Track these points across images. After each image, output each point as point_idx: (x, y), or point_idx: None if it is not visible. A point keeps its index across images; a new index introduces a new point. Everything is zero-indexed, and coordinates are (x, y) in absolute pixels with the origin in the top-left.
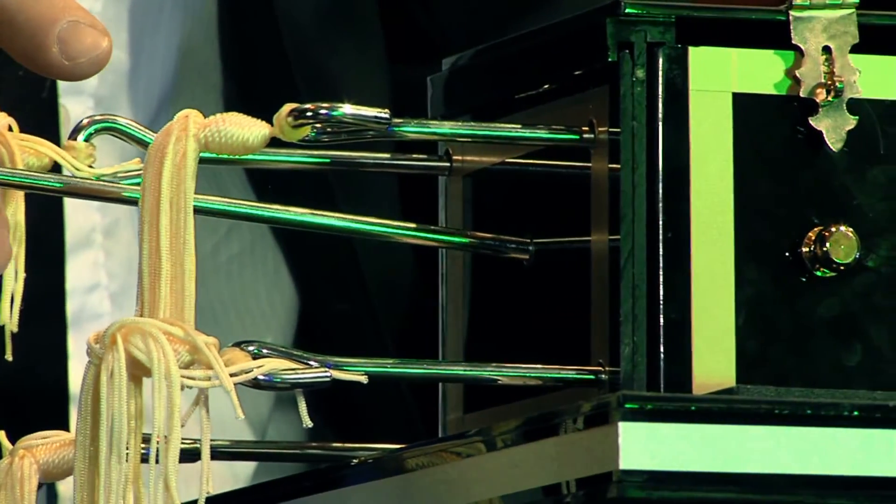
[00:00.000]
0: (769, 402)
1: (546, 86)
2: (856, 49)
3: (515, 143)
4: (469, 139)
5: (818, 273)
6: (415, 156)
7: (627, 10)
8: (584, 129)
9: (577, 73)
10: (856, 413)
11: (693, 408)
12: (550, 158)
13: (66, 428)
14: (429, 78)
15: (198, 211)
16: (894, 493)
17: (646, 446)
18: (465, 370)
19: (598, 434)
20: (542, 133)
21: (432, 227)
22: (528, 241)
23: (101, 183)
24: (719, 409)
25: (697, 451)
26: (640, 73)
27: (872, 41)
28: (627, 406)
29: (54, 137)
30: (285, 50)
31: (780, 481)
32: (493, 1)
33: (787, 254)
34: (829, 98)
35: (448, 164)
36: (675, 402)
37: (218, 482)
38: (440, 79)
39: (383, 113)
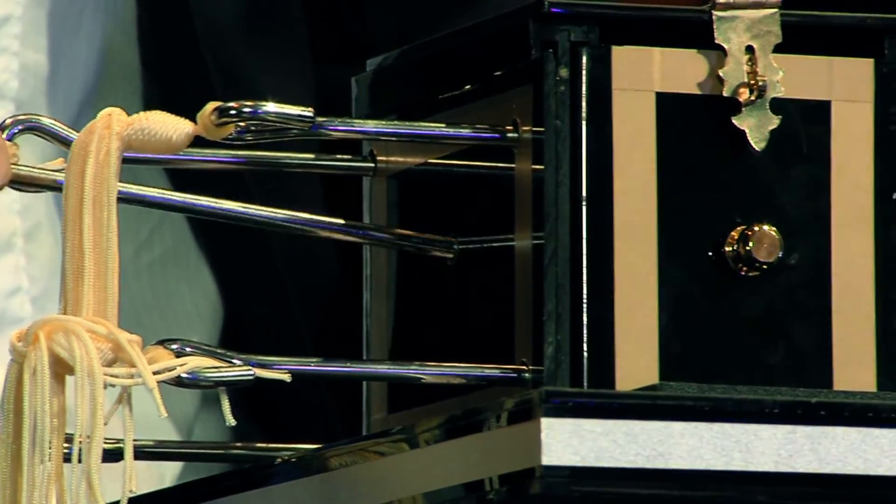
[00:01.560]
0: (692, 398)
1: (470, 86)
2: (779, 49)
3: (439, 142)
4: (393, 138)
5: (741, 272)
6: (339, 156)
7: (551, 10)
8: (507, 128)
9: (500, 72)
10: (777, 410)
11: (616, 404)
12: (474, 158)
13: None
14: (353, 78)
15: (127, 200)
16: (816, 489)
17: (568, 442)
18: (388, 369)
19: (521, 430)
20: (465, 132)
21: (357, 224)
22: (453, 240)
23: (32, 168)
24: (642, 406)
25: (620, 447)
26: (564, 73)
27: (796, 41)
28: (550, 402)
29: None
30: (207, 52)
31: (702, 477)
32: (422, 1)
33: (710, 253)
34: (752, 98)
35: (372, 165)
36: (598, 398)
37: (146, 483)
38: (365, 79)
39: (307, 111)
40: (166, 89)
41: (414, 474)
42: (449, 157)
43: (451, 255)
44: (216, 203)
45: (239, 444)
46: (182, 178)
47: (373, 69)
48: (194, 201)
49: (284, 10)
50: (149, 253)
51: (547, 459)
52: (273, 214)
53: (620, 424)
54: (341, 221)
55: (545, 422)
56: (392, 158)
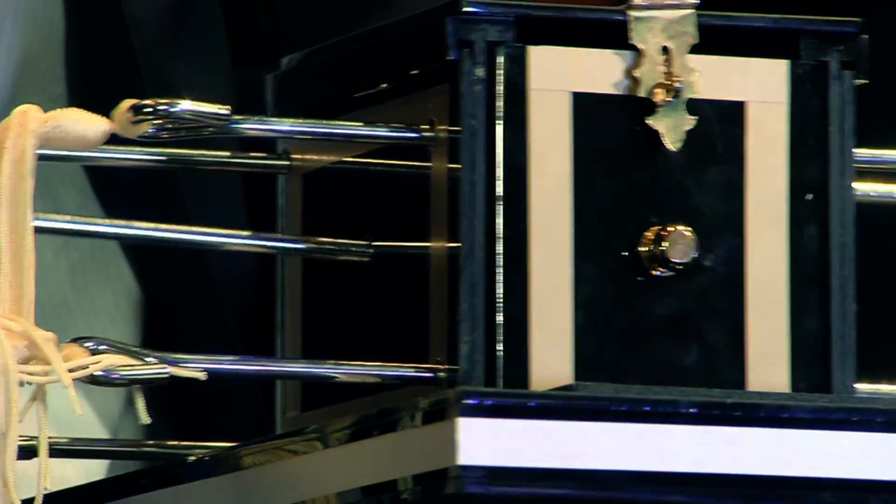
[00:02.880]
0: (608, 398)
1: (386, 84)
2: (695, 49)
3: (354, 141)
4: (308, 137)
5: (656, 272)
6: (254, 154)
7: (467, 10)
8: (424, 127)
9: (417, 71)
10: (693, 410)
11: (532, 404)
12: (390, 158)
13: None
14: (267, 77)
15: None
16: (731, 489)
17: (484, 442)
18: (302, 368)
19: (437, 430)
20: (381, 131)
21: (267, 235)
22: (367, 242)
23: None
24: (558, 406)
25: (536, 446)
26: (480, 72)
27: (712, 41)
28: (466, 402)
29: None
30: (129, 56)
31: (617, 477)
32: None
33: (625, 253)
34: (668, 98)
35: (287, 163)
36: (514, 397)
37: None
38: (279, 77)
39: (223, 109)
40: (89, 95)
41: (328, 474)
42: (364, 155)
43: (366, 259)
44: (124, 225)
45: (152, 442)
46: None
47: (286, 67)
48: (97, 226)
49: (203, 13)
50: (67, 258)
51: (462, 459)
52: (175, 235)
53: (536, 424)
54: (250, 233)
55: (460, 421)
56: (307, 157)
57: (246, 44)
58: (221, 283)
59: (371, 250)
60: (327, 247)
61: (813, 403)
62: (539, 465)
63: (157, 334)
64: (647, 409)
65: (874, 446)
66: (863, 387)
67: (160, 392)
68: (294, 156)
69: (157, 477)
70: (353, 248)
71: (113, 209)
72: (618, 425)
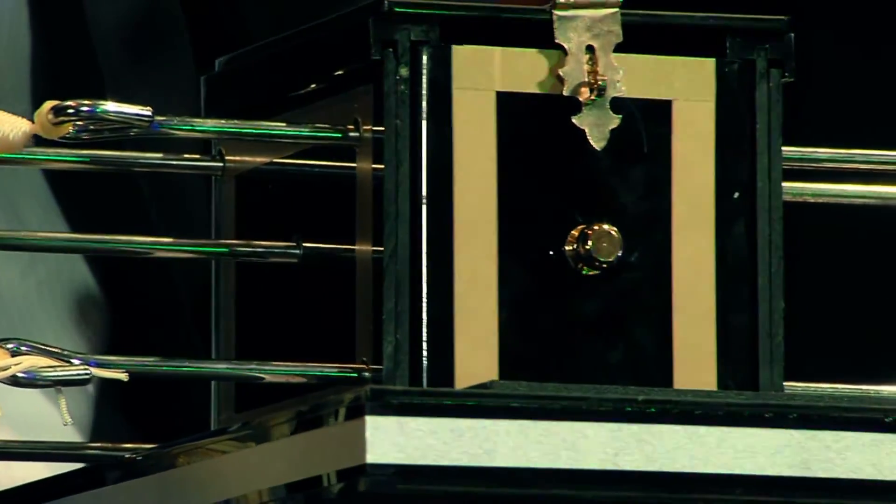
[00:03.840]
0: (517, 396)
1: (315, 84)
2: (620, 48)
3: (280, 141)
4: (233, 137)
5: (581, 271)
6: (186, 156)
7: (391, 9)
8: (349, 127)
9: (342, 71)
10: (604, 407)
11: (442, 402)
12: (323, 158)
13: None
14: (202, 77)
15: None
16: (644, 486)
17: (394, 440)
18: (228, 368)
19: (348, 428)
20: (306, 131)
21: (193, 241)
22: (296, 244)
23: None
24: (468, 404)
25: (446, 445)
26: (404, 72)
27: (637, 40)
28: (375, 400)
29: None
30: (96, 73)
31: (528, 475)
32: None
33: (550, 252)
34: (592, 97)
35: (221, 165)
36: (424, 396)
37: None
38: (214, 78)
39: (145, 111)
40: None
41: (244, 473)
42: (296, 156)
43: (295, 261)
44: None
45: (80, 443)
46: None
47: (221, 68)
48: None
49: (165, 16)
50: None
51: (372, 457)
52: (100, 244)
53: (446, 422)
54: (172, 240)
55: (370, 420)
56: (240, 158)
57: (211, 49)
58: (186, 290)
59: (299, 252)
60: (254, 249)
61: (726, 400)
62: (449, 463)
63: (127, 344)
64: (559, 406)
65: (788, 443)
66: (798, 385)
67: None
68: (228, 157)
69: (90, 477)
70: (282, 251)
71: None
72: (528, 423)
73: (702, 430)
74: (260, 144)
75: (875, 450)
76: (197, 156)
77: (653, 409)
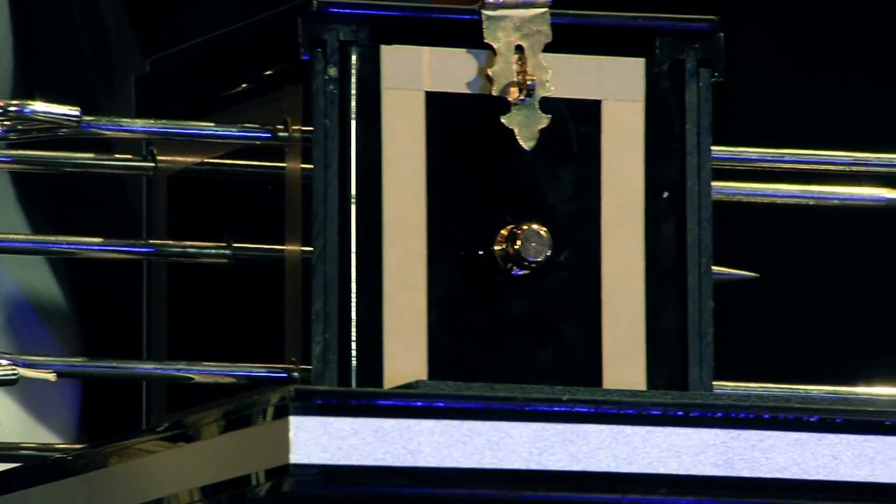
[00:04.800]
0: (442, 396)
1: (245, 84)
2: (549, 48)
3: (208, 141)
4: (161, 137)
5: (510, 270)
6: (118, 156)
7: (320, 9)
8: (278, 127)
9: (272, 71)
10: (528, 408)
11: (366, 402)
12: (254, 158)
13: None
14: (133, 78)
15: None
16: (567, 486)
17: (318, 440)
18: (154, 368)
19: (272, 429)
20: (234, 132)
21: (122, 241)
22: (226, 244)
23: None
24: (392, 404)
25: (370, 445)
26: (333, 72)
27: (567, 40)
28: (299, 401)
29: None
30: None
31: (451, 475)
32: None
33: (480, 252)
34: (521, 97)
35: (152, 165)
36: (349, 396)
37: None
38: (145, 78)
39: (73, 111)
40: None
41: (167, 474)
42: (228, 156)
43: (225, 261)
44: None
45: (11, 444)
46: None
47: (153, 68)
48: None
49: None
50: None
51: (295, 458)
52: (29, 245)
53: (370, 422)
54: (104, 240)
55: (294, 420)
56: (171, 158)
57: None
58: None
59: (229, 252)
60: (184, 249)
61: (650, 400)
62: (373, 463)
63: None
64: (482, 406)
65: (713, 443)
66: (727, 384)
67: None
68: (160, 157)
69: (14, 478)
70: (212, 251)
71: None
72: (452, 423)
73: (626, 429)
74: (191, 144)
75: (799, 449)
76: (128, 156)
77: (577, 409)
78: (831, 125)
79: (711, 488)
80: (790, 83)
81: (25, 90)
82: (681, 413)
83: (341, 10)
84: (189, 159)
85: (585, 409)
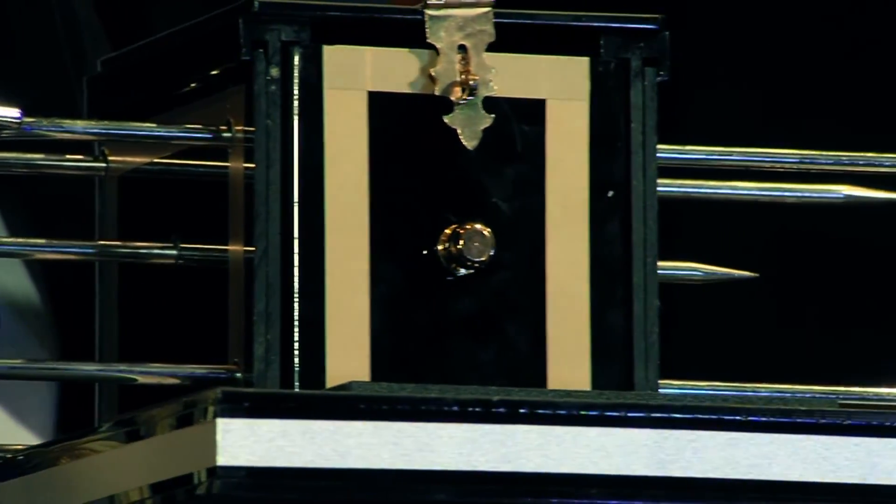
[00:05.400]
0: (370, 398)
1: (192, 84)
2: (493, 47)
3: (152, 142)
4: (105, 138)
5: (454, 271)
6: (69, 157)
7: (261, 10)
8: (222, 127)
9: (217, 71)
10: (457, 408)
11: (294, 404)
12: (203, 158)
13: None
14: (85, 78)
15: None
16: (496, 487)
17: (244, 442)
18: (97, 370)
19: (198, 431)
20: (176, 132)
21: (71, 242)
22: (173, 245)
23: None
24: (319, 406)
25: (298, 446)
26: (275, 72)
27: (510, 39)
28: (225, 402)
29: None
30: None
31: (380, 476)
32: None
33: (423, 252)
34: (464, 96)
35: (104, 165)
36: (277, 398)
37: None
38: (96, 79)
39: (13, 112)
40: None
41: (97, 476)
42: (176, 156)
43: (172, 262)
44: None
45: None
46: None
47: (103, 68)
48: None
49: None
50: None
51: (222, 460)
52: None
53: (298, 424)
54: (44, 242)
55: (221, 422)
56: (122, 159)
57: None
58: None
59: (176, 252)
60: (132, 250)
61: (581, 400)
62: (301, 465)
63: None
64: (408, 407)
65: (644, 443)
66: (674, 382)
67: None
68: (111, 158)
69: None
70: (158, 252)
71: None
72: (380, 424)
73: (557, 429)
74: (141, 145)
75: (731, 449)
76: (80, 157)
77: (507, 410)
78: (780, 123)
79: (642, 488)
80: (741, 82)
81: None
82: (612, 413)
83: (283, 11)
84: (139, 160)
85: (516, 410)
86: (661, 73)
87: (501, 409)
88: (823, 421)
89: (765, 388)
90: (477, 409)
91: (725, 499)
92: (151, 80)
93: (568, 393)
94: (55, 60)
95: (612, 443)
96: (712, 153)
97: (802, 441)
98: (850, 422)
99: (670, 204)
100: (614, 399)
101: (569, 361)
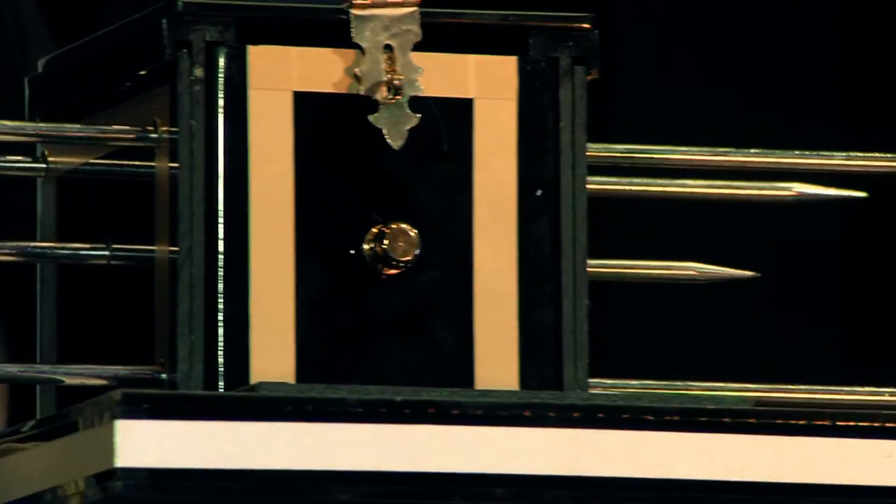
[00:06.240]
0: (271, 399)
1: (127, 84)
2: (421, 47)
3: (79, 143)
4: (34, 139)
5: (380, 270)
6: (10, 157)
7: (185, 9)
8: (149, 128)
9: (146, 71)
10: (361, 409)
11: (196, 405)
12: (136, 158)
13: None
14: (26, 79)
15: None
16: (403, 487)
17: (146, 444)
18: (20, 371)
19: (99, 433)
20: (104, 133)
21: (4, 244)
22: (104, 245)
23: None
24: (220, 407)
25: (200, 448)
26: (199, 72)
27: (438, 39)
28: (127, 404)
29: None
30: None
31: (282, 477)
32: None
33: (351, 251)
34: (389, 96)
35: (44, 166)
36: (176, 400)
37: None
38: (37, 79)
39: None
40: None
41: (7, 477)
42: (112, 157)
43: (104, 262)
44: None
45: None
46: None
47: (43, 69)
48: None
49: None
50: None
51: (122, 461)
52: None
53: (200, 425)
54: None
55: (121, 424)
56: (61, 160)
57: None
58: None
59: (108, 253)
60: (65, 252)
61: (486, 400)
62: (203, 466)
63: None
64: (311, 408)
65: (550, 442)
66: (605, 381)
67: None
68: (50, 159)
69: None
70: (91, 252)
71: None
72: (283, 425)
73: (462, 430)
74: (77, 145)
75: (638, 448)
76: (20, 157)
77: (411, 410)
78: (722, 122)
79: (547, 488)
80: (682, 82)
81: None
82: (517, 414)
83: (207, 11)
84: (77, 160)
85: (421, 410)
86: (592, 71)
87: (406, 410)
88: (728, 421)
89: (696, 386)
90: (381, 410)
91: (632, 498)
92: (89, 80)
93: (474, 393)
94: (3, 61)
95: (517, 443)
96: (648, 150)
97: (710, 440)
98: (755, 421)
99: (670, 204)
100: (521, 399)
101: (497, 361)
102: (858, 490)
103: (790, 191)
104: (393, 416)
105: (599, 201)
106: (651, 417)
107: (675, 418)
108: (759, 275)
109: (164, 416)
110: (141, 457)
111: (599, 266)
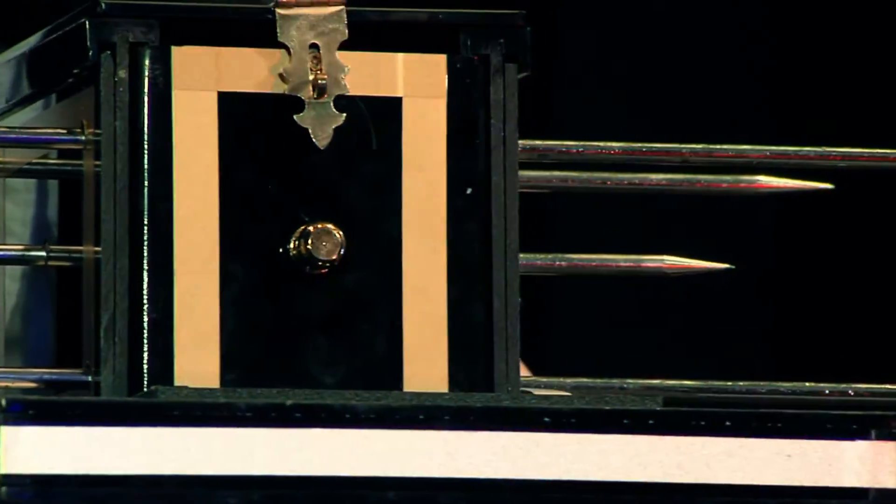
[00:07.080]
0: (158, 404)
1: (59, 84)
2: (349, 46)
3: (9, 144)
4: None
5: (305, 271)
6: None
7: (108, 10)
8: (76, 129)
9: (78, 71)
10: (249, 413)
11: (79, 411)
12: (75, 158)
13: None
14: None
15: None
16: (289, 491)
17: (32, 450)
18: None
19: None
20: (32, 134)
21: None
22: (42, 245)
23: None
24: (107, 412)
25: (85, 453)
26: (123, 74)
27: (366, 37)
28: (12, 410)
29: None
30: None
31: (167, 482)
32: None
33: (279, 251)
34: (315, 95)
35: None
36: (62, 406)
37: None
38: None
39: None
40: None
41: None
42: (59, 157)
43: (42, 263)
44: None
45: None
46: None
47: None
48: None
49: None
50: None
51: (7, 468)
52: None
53: (85, 431)
54: None
55: (6, 430)
56: (7, 159)
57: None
58: None
59: (45, 254)
60: (7, 253)
61: (378, 404)
62: (87, 471)
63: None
64: (199, 413)
65: (438, 445)
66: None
67: None
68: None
69: None
70: (30, 253)
71: None
72: (168, 430)
73: (353, 433)
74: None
75: (533, 448)
76: None
77: (303, 415)
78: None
79: (439, 490)
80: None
81: None
82: (412, 415)
83: (131, 11)
84: (18, 159)
85: (313, 415)
86: (524, 68)
87: (297, 414)
88: (627, 422)
89: (631, 383)
90: (272, 414)
91: (525, 500)
92: (21, 83)
93: (362, 395)
94: None
95: (408, 446)
96: (580, 146)
97: (608, 441)
98: (653, 422)
99: (669, 201)
100: (413, 402)
101: (426, 361)
102: (758, 490)
103: (757, 183)
104: (283, 421)
105: (577, 197)
106: (548, 419)
107: (573, 420)
108: (733, 267)
109: (48, 421)
110: (25, 463)
111: (570, 261)
